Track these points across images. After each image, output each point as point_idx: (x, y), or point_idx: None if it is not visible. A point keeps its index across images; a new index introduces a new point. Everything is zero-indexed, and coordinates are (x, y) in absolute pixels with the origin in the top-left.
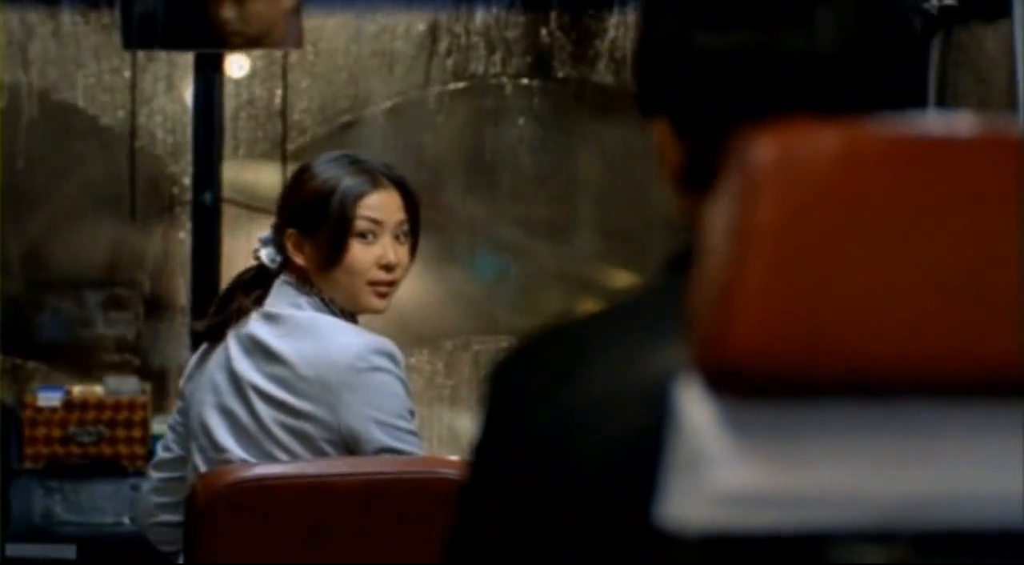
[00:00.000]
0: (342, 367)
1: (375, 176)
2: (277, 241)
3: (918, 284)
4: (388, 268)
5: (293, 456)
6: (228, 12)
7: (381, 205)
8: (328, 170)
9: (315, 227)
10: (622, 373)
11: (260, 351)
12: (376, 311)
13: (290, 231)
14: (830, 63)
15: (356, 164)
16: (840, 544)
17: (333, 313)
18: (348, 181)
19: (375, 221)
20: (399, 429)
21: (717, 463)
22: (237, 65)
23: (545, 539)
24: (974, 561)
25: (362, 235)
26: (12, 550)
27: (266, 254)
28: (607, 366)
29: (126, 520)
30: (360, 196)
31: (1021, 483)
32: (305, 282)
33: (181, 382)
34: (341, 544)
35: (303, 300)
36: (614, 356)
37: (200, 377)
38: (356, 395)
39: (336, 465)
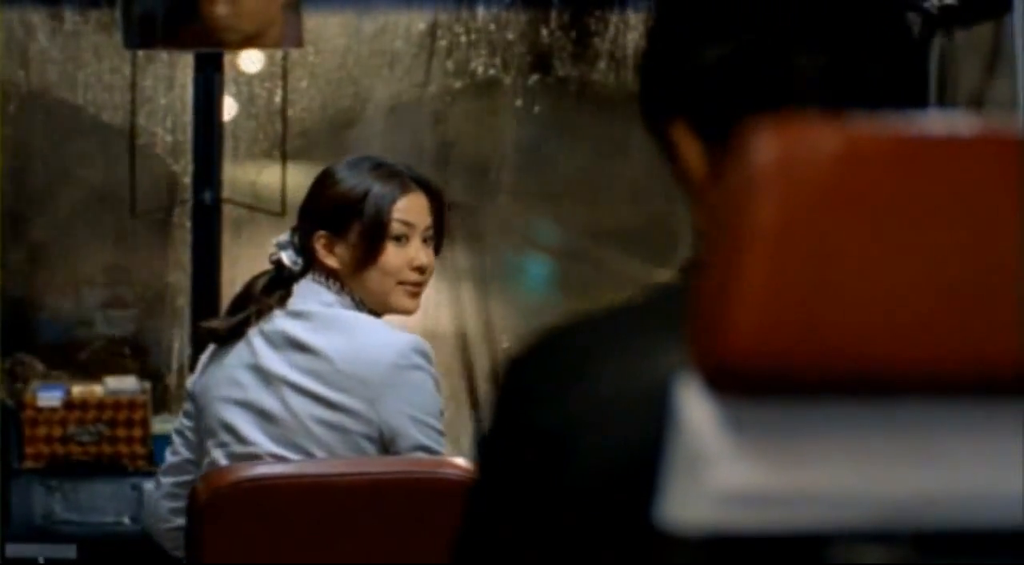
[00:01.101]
0: (383, 364)
1: (404, 180)
2: (301, 244)
3: (918, 284)
4: (420, 270)
5: (328, 451)
6: (228, 12)
7: (412, 208)
8: (354, 175)
9: (346, 229)
10: (630, 375)
11: (291, 346)
12: (407, 312)
13: (320, 233)
14: (839, 65)
15: (381, 168)
16: (840, 544)
17: (362, 312)
18: (379, 186)
19: (408, 224)
20: (433, 428)
21: (717, 463)
22: (249, 60)
23: (549, 538)
24: (974, 561)
25: (396, 238)
26: (12, 550)
27: (287, 256)
28: (617, 367)
29: (126, 520)
30: (394, 200)
31: (1021, 483)
32: (335, 282)
33: (189, 383)
34: (341, 544)
35: (333, 298)
36: (624, 357)
37: (215, 375)
38: (396, 392)
39: (337, 465)
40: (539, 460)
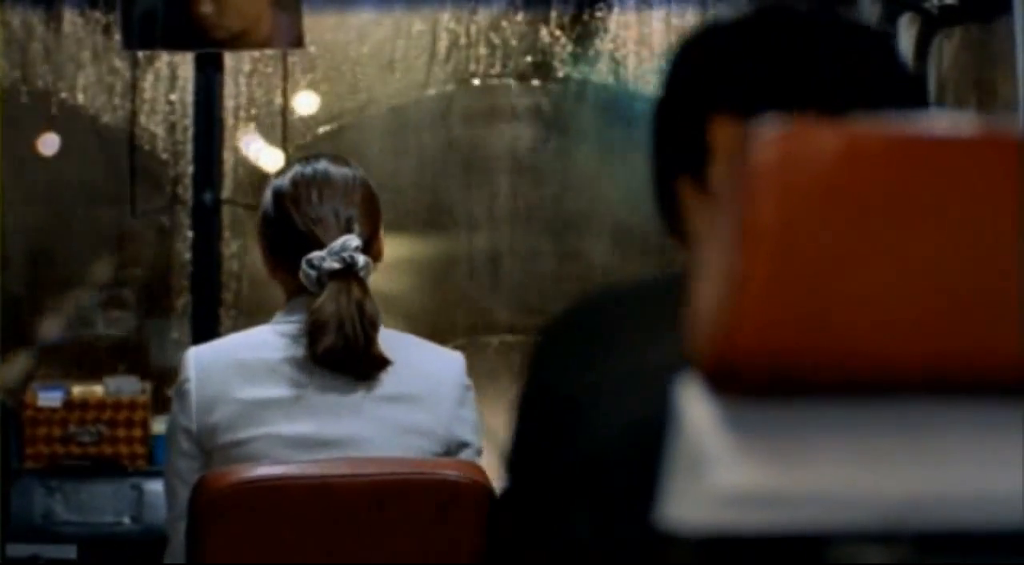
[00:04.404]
0: (450, 385)
1: None
2: (372, 247)
3: (918, 284)
4: None
5: None
6: (228, 13)
7: None
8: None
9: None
10: (652, 349)
11: None
12: None
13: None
14: (837, 94)
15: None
16: (840, 544)
17: None
18: None
19: None
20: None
21: (718, 463)
22: (310, 101)
23: (559, 505)
24: (975, 561)
25: None
26: (12, 550)
27: (365, 261)
28: (640, 340)
29: (126, 520)
30: None
31: (1021, 483)
32: None
33: (185, 421)
34: (342, 546)
35: None
36: (647, 331)
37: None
38: (466, 410)
39: (338, 466)
40: (559, 425)
